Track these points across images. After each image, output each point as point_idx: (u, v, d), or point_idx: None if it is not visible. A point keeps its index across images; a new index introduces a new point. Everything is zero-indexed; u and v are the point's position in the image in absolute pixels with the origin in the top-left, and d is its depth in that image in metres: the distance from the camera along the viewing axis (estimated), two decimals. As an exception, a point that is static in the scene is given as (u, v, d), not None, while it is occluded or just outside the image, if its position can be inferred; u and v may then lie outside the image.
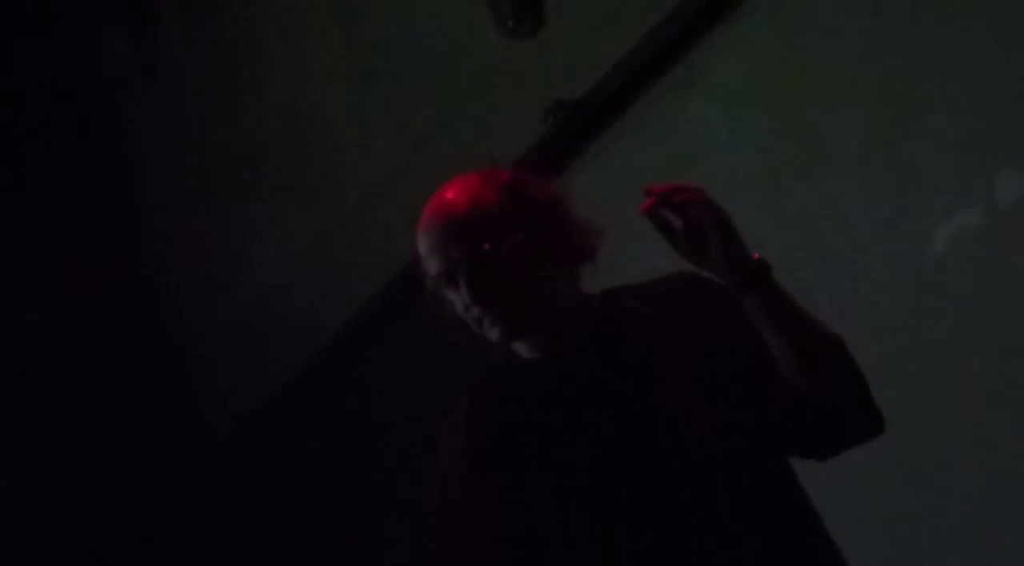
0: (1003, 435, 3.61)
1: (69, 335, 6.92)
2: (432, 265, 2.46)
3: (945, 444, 3.74)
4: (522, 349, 2.51)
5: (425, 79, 5.44)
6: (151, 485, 6.82)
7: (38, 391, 6.81)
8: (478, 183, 2.49)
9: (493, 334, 2.45)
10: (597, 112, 4.72)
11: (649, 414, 2.38)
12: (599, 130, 4.76)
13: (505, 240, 2.42)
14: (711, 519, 2.34)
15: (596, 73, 4.67)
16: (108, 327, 6.95)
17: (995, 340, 3.64)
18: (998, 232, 3.65)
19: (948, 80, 3.74)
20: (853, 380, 2.35)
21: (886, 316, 3.88)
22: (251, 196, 6.47)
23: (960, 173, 3.73)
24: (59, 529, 6.65)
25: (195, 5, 6.57)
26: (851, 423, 2.37)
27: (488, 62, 5.06)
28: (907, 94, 3.84)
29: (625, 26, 4.55)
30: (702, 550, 2.33)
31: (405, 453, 5.40)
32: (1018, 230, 3.61)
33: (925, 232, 3.81)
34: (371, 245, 5.58)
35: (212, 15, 6.52)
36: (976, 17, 3.69)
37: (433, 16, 5.36)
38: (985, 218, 3.68)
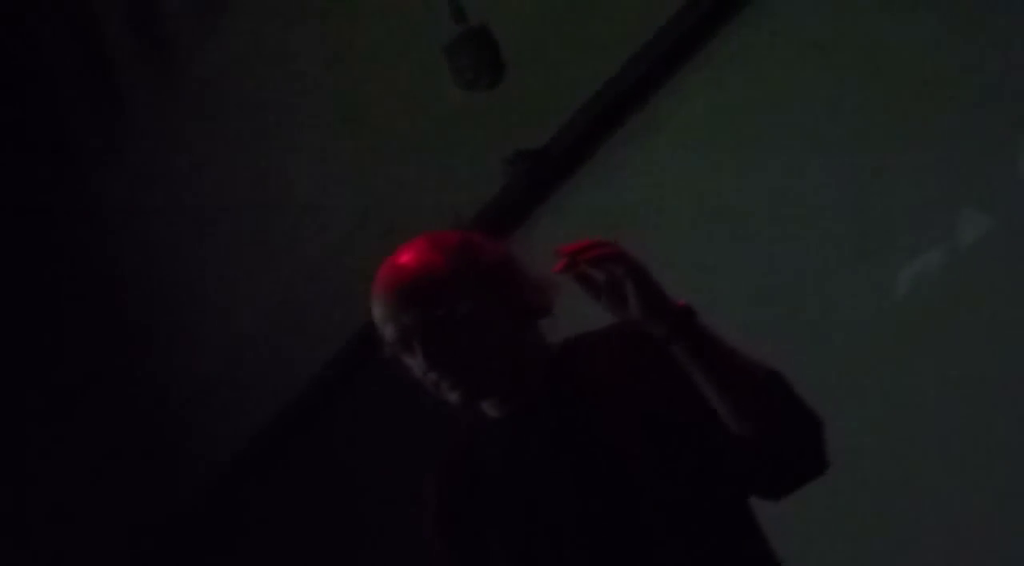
0: (969, 473, 3.62)
1: (36, 392, 6.89)
2: (387, 332, 2.45)
3: (911, 484, 3.74)
4: (486, 407, 2.51)
5: (386, 131, 5.44)
6: (121, 540, 6.79)
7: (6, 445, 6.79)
8: (428, 248, 2.47)
9: (452, 398, 2.44)
10: (558, 160, 4.73)
11: (605, 471, 2.38)
12: (561, 178, 4.76)
13: (458, 304, 2.41)
14: None
15: (556, 122, 4.68)
16: (73, 381, 6.93)
17: (960, 379, 3.65)
18: (961, 271, 3.66)
19: (908, 121, 3.76)
20: (794, 417, 2.33)
21: (849, 357, 3.89)
22: (218, 250, 6.46)
23: (922, 214, 3.75)
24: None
25: (156, 60, 6.58)
26: (796, 462, 2.35)
27: (448, 113, 5.07)
28: (868, 136, 3.85)
29: (585, 75, 4.57)
30: None
31: (380, 501, 5.39)
32: (980, 270, 3.62)
33: (888, 273, 3.82)
34: (336, 297, 5.57)
35: (173, 72, 6.53)
36: (934, 59, 3.72)
37: (393, 69, 5.37)
38: (948, 258, 3.70)
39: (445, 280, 2.43)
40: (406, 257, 2.47)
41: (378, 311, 2.46)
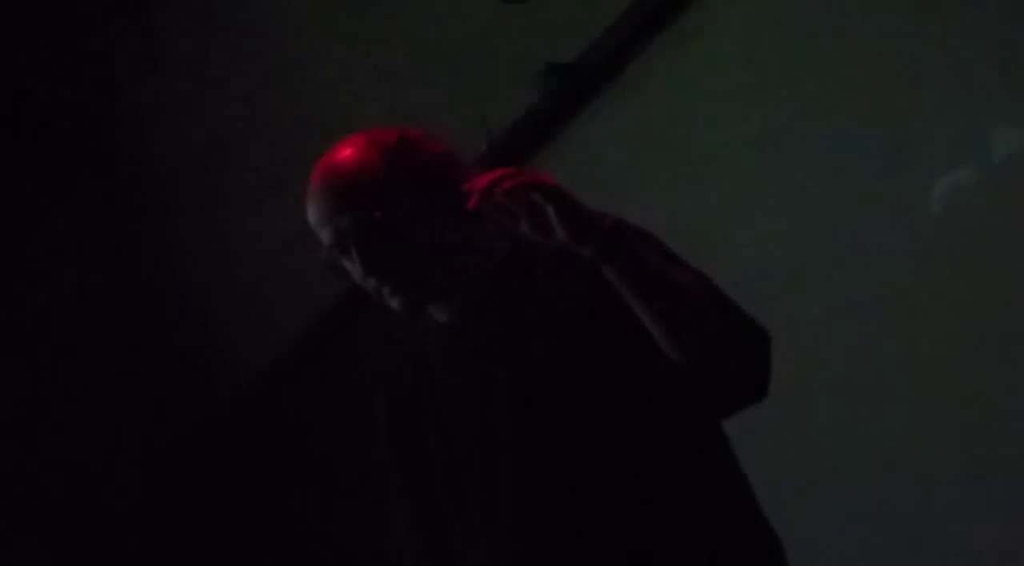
0: (1003, 392, 3.61)
1: (63, 308, 6.93)
2: (323, 236, 2.36)
3: (944, 400, 3.74)
4: (434, 311, 2.42)
5: (418, 44, 5.41)
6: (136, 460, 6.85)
7: (34, 360, 6.82)
8: (364, 147, 2.39)
9: (394, 304, 2.35)
10: (591, 74, 4.69)
11: (537, 386, 2.27)
12: (593, 92, 4.73)
13: (395, 206, 2.31)
14: (605, 493, 2.24)
15: (590, 35, 4.65)
16: (98, 305, 6.97)
17: (993, 295, 3.64)
18: (995, 187, 3.64)
19: (943, 35, 3.73)
20: (734, 338, 2.20)
21: (884, 273, 3.88)
22: (247, 166, 6.47)
23: (956, 129, 3.72)
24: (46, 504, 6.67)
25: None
26: (735, 385, 2.23)
27: (481, 26, 5.04)
28: (902, 50, 3.82)
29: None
30: (597, 530, 2.23)
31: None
32: (1014, 185, 3.60)
33: (922, 189, 3.80)
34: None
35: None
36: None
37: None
38: (981, 174, 3.67)
39: (381, 180, 2.34)
40: (341, 156, 2.38)
41: (313, 214, 2.37)
